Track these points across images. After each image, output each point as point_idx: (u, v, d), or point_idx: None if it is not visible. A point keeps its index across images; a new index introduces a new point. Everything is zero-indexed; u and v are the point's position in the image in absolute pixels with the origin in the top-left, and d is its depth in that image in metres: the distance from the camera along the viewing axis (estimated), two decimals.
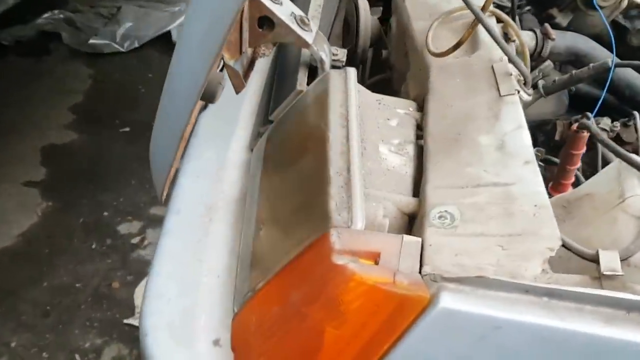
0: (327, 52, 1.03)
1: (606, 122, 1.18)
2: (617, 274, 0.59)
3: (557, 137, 1.24)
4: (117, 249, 2.13)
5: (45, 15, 3.23)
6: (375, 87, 1.07)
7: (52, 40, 3.16)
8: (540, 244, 0.64)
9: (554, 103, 1.27)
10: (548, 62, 1.14)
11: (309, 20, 1.01)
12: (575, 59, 1.18)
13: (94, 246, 2.14)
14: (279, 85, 1.15)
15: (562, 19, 1.29)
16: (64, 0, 3.34)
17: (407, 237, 0.67)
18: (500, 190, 0.71)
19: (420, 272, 0.63)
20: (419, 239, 0.67)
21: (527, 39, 1.15)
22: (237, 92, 1.04)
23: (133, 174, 2.40)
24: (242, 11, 0.97)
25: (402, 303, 0.62)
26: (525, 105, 0.90)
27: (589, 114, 1.18)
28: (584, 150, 1.05)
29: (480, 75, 0.89)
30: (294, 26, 0.98)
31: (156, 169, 0.93)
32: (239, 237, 0.91)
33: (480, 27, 0.99)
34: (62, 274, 2.02)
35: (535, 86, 1.09)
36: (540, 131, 1.26)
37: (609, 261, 0.60)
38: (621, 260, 0.60)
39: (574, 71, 1.07)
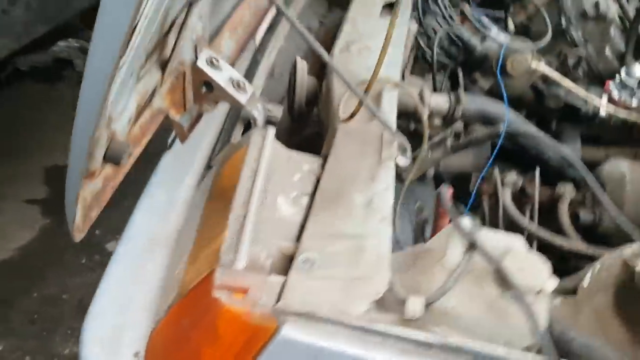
0: (260, 110, 1.21)
1: (512, 176, 1.32)
2: (416, 316, 0.75)
3: (470, 188, 1.40)
4: (104, 264, 2.31)
5: (61, 43, 3.48)
6: (307, 141, 1.25)
7: (65, 68, 3.42)
8: (371, 287, 0.79)
9: (474, 156, 1.42)
10: (458, 123, 1.30)
11: (244, 83, 1.19)
12: (484, 120, 1.34)
13: (83, 261, 2.33)
14: (224, 135, 1.33)
15: (484, 83, 1.45)
16: (80, 29, 3.61)
17: (271, 277, 0.83)
18: (356, 242, 0.87)
19: (273, 307, 0.79)
20: (281, 279, 0.83)
21: (442, 101, 1.31)
22: (182, 141, 1.23)
23: (126, 196, 2.60)
24: (185, 74, 1.16)
25: (255, 331, 0.78)
26: (404, 169, 1.05)
27: (495, 168, 1.35)
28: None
29: (372, 141, 1.05)
30: (230, 89, 1.16)
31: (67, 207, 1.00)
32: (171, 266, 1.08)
33: (385, 96, 1.17)
34: (51, 285, 2.21)
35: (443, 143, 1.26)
36: (459, 181, 1.42)
37: (413, 305, 0.75)
38: (426, 305, 0.76)
39: (475, 134, 1.23)
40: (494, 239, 0.83)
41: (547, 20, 1.49)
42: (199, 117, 1.26)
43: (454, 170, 1.42)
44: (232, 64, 1.52)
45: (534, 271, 0.78)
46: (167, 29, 1.03)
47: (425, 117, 1.20)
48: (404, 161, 1.01)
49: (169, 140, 1.38)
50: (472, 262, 0.79)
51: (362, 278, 0.81)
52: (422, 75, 1.56)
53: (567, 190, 1.33)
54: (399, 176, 1.30)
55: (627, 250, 0.84)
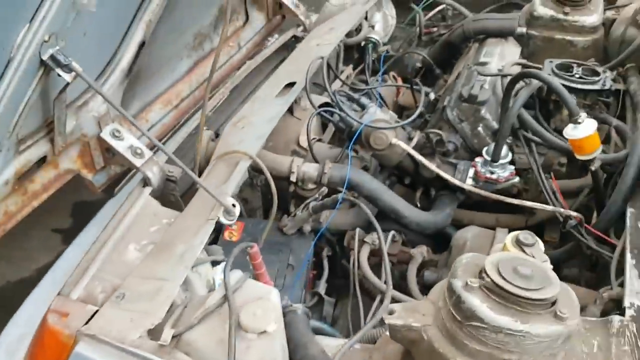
0: (154, 172, 1.50)
1: (371, 237, 1.53)
2: (166, 343, 1.00)
3: (345, 244, 1.61)
4: None
5: None
6: None
7: None
8: (149, 320, 1.05)
9: (352, 216, 1.63)
10: (324, 189, 1.53)
11: (142, 150, 1.49)
12: (348, 185, 1.55)
13: None
14: None
15: (365, 154, 1.67)
16: None
17: (88, 306, 1.11)
18: (159, 284, 1.13)
19: (78, 329, 1.07)
20: (95, 308, 1.11)
21: (311, 169, 1.55)
22: (93, 193, 1.56)
23: None
24: (89, 143, 1.49)
25: (63, 347, 1.06)
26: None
27: (358, 230, 1.56)
28: None
29: (210, 203, 1.32)
30: (128, 155, 1.48)
31: None
32: None
33: (239, 166, 1.44)
34: None
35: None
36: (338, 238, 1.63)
37: (165, 335, 1.00)
38: (174, 335, 1.01)
39: (326, 199, 1.46)
40: (253, 288, 1.07)
41: (422, 99, 1.70)
42: (122, 174, 1.58)
43: (337, 228, 1.64)
44: (167, 129, 1.85)
45: (264, 316, 1.01)
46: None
47: (294, 181, 1.47)
48: (227, 220, 1.26)
49: (115, 190, 1.70)
50: (222, 305, 1.03)
51: (147, 312, 1.08)
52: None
53: (419, 252, 1.51)
54: (281, 230, 1.56)
55: None
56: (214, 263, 1.23)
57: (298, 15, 2.25)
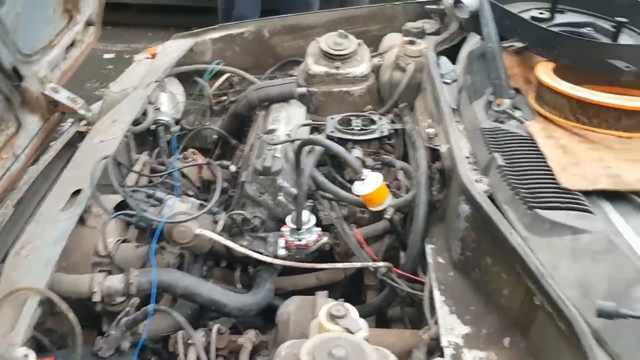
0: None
1: (198, 335, 1.46)
2: None
3: (170, 349, 1.52)
4: None
5: None
6: None
7: None
8: None
9: (169, 320, 1.55)
10: (134, 299, 1.43)
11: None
12: (161, 289, 1.47)
13: None
14: None
15: (173, 248, 1.61)
16: None
17: None
18: None
19: None
20: None
21: (116, 282, 1.44)
22: None
23: None
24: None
25: None
26: None
27: (180, 333, 1.47)
28: None
29: None
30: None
31: None
32: None
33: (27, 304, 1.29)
34: None
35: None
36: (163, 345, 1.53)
37: None
38: None
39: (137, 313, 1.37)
40: None
41: (218, 178, 1.70)
42: None
43: (159, 333, 1.53)
44: None
45: None
46: None
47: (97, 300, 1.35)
48: None
49: None
50: None
51: None
52: None
53: (247, 339, 1.47)
54: (97, 355, 1.41)
55: None
56: None
57: (77, 110, 2.12)
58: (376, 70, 2.27)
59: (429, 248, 1.53)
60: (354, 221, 1.77)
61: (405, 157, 1.93)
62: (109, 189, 1.77)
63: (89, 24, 2.42)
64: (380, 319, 1.73)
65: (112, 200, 1.67)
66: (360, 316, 1.66)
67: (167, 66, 2.27)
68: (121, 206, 1.67)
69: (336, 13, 2.62)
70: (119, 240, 1.64)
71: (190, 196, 1.95)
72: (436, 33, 2.32)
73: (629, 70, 1.37)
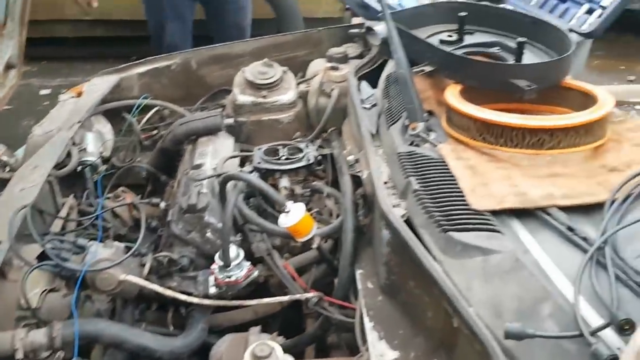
0: None
1: None
2: None
3: None
4: None
5: None
6: None
7: None
8: None
9: None
10: (60, 353, 1.39)
11: None
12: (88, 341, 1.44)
13: None
14: None
15: (99, 296, 1.57)
16: None
17: None
18: None
19: None
20: None
21: (39, 336, 1.40)
22: None
23: None
24: None
25: None
26: None
27: None
28: None
29: None
30: None
31: None
32: None
33: None
34: None
35: None
36: None
37: None
38: None
39: None
40: None
41: (142, 217, 1.68)
42: None
43: None
44: None
45: None
46: None
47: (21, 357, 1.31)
48: None
49: None
50: None
51: None
52: None
53: None
54: None
55: None
56: None
57: None
58: (304, 96, 2.29)
59: (358, 273, 1.55)
60: (287, 250, 1.78)
61: (335, 182, 1.95)
62: (32, 238, 1.73)
63: (9, 67, 2.37)
64: (320, 346, 1.73)
65: (34, 250, 1.61)
66: (299, 346, 1.67)
67: (91, 104, 2.23)
68: (45, 256, 1.63)
69: (264, 40, 2.64)
70: (44, 290, 1.60)
71: (122, 236, 1.93)
72: (360, 56, 2.37)
73: (530, 88, 1.43)
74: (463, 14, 1.77)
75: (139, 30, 4.96)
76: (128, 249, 1.65)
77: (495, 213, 1.27)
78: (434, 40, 1.78)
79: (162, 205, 1.93)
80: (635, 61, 5.51)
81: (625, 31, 5.42)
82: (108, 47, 5.47)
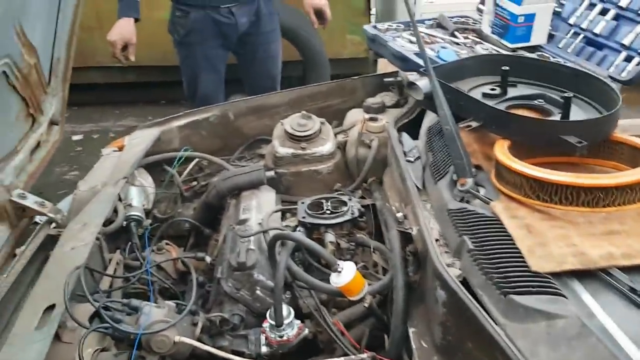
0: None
1: None
2: None
3: None
4: None
5: None
6: None
7: None
8: None
9: None
10: None
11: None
12: None
13: None
14: None
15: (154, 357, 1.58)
16: None
17: None
18: None
19: None
20: None
21: None
22: None
23: None
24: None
25: None
26: None
27: None
28: None
29: None
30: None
31: None
32: None
33: None
34: None
35: None
36: None
37: None
38: None
39: None
40: None
41: (194, 282, 1.68)
42: None
43: None
44: None
45: None
46: None
47: None
48: None
49: None
50: None
51: None
52: None
53: None
54: None
55: None
56: None
57: (46, 213, 2.10)
58: (342, 146, 2.31)
59: (411, 332, 1.54)
60: (334, 305, 1.77)
61: (377, 232, 1.95)
62: (84, 298, 1.74)
63: (52, 123, 2.43)
64: None
65: (87, 311, 1.63)
66: None
67: (135, 159, 2.28)
68: (96, 314, 1.64)
69: (298, 91, 2.68)
70: (97, 349, 1.61)
71: (166, 289, 1.94)
72: (396, 105, 2.40)
73: (582, 145, 1.43)
74: (506, 68, 1.79)
75: (169, 75, 5.08)
76: (178, 306, 1.67)
77: (555, 274, 1.26)
78: (477, 93, 1.79)
79: (207, 259, 1.94)
80: None
81: None
82: (138, 92, 5.59)
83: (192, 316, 1.62)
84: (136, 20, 3.16)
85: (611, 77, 2.00)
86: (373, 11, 5.21)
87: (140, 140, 2.47)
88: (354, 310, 1.77)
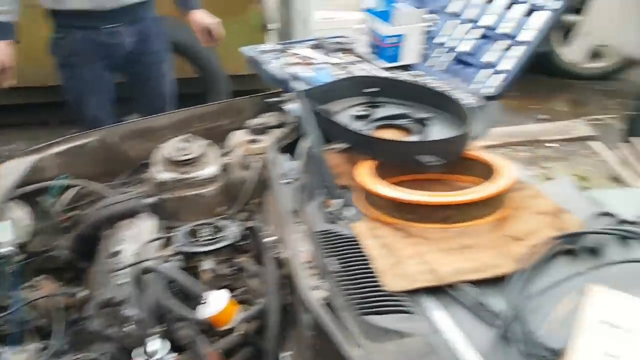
0: None
1: None
2: None
3: None
4: None
5: None
6: None
7: None
8: None
9: None
10: None
11: None
12: None
13: None
14: None
15: None
16: None
17: None
18: None
19: None
20: None
21: None
22: None
23: None
24: None
25: None
26: None
27: None
28: None
29: None
30: None
31: None
32: None
33: None
34: None
35: None
36: None
37: None
38: None
39: None
40: None
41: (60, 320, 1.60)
42: None
43: None
44: None
45: None
46: None
47: None
48: None
49: None
50: None
51: None
52: None
53: None
54: None
55: None
56: None
57: None
58: (228, 168, 2.29)
59: (286, 355, 1.53)
60: (214, 334, 1.74)
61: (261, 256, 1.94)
62: None
63: None
64: None
65: None
66: None
67: (4, 191, 2.15)
68: None
69: (186, 112, 2.63)
70: None
71: (42, 328, 1.84)
72: (281, 125, 2.40)
73: (432, 164, 1.50)
74: (372, 89, 1.84)
75: (55, 96, 4.87)
76: (45, 347, 1.58)
77: (410, 292, 1.30)
78: (347, 114, 1.84)
79: (81, 294, 1.85)
80: (546, 100, 5.90)
81: (536, 72, 5.84)
82: (24, 115, 5.33)
83: (58, 359, 1.55)
84: (17, 41, 3.01)
85: (476, 93, 2.11)
86: (272, 26, 5.23)
87: (13, 170, 2.33)
88: (232, 338, 1.75)
